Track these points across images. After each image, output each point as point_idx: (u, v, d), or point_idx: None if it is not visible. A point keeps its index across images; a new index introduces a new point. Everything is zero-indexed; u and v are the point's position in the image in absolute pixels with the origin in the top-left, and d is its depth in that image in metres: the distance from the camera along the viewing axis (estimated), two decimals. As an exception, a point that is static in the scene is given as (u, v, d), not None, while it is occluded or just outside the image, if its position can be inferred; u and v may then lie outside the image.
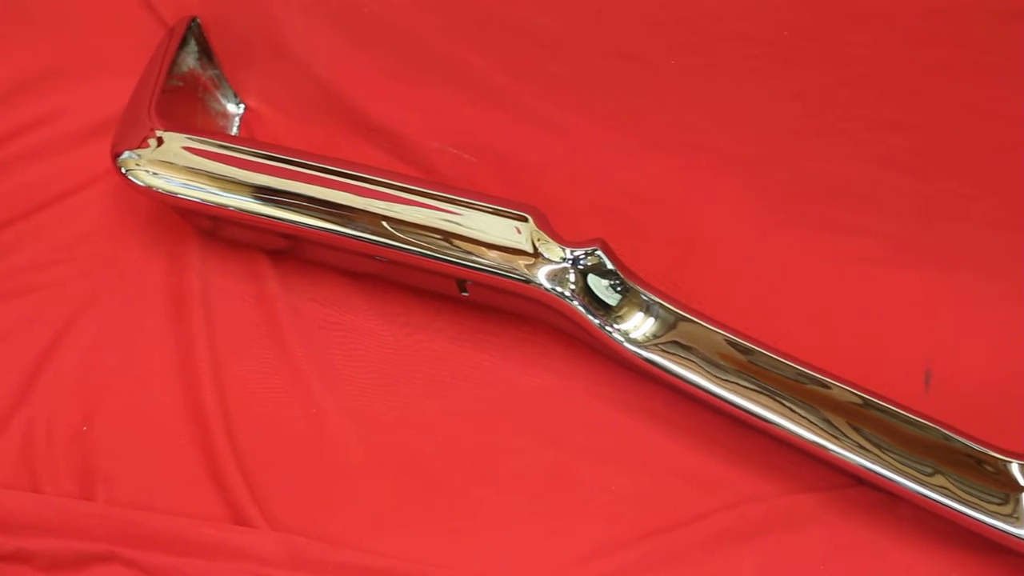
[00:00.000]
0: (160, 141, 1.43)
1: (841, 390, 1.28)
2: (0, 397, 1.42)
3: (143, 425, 1.40)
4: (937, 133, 1.40)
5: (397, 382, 1.42)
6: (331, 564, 1.28)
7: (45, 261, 1.53)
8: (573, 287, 1.32)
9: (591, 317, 1.32)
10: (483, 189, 1.45)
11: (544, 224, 1.34)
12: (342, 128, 1.58)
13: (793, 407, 1.27)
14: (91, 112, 1.61)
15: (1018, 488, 1.23)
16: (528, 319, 1.43)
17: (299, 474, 1.36)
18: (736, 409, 1.29)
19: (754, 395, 1.28)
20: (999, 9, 1.29)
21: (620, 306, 1.33)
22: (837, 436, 1.26)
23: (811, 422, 1.27)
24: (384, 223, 1.35)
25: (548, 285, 1.32)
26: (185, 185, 1.41)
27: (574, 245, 1.33)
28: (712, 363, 1.30)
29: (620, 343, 1.32)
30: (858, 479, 1.31)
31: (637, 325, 1.32)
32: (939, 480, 1.24)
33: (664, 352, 1.31)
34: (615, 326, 1.32)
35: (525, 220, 1.34)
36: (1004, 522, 1.22)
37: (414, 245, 1.34)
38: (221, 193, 1.40)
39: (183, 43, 1.57)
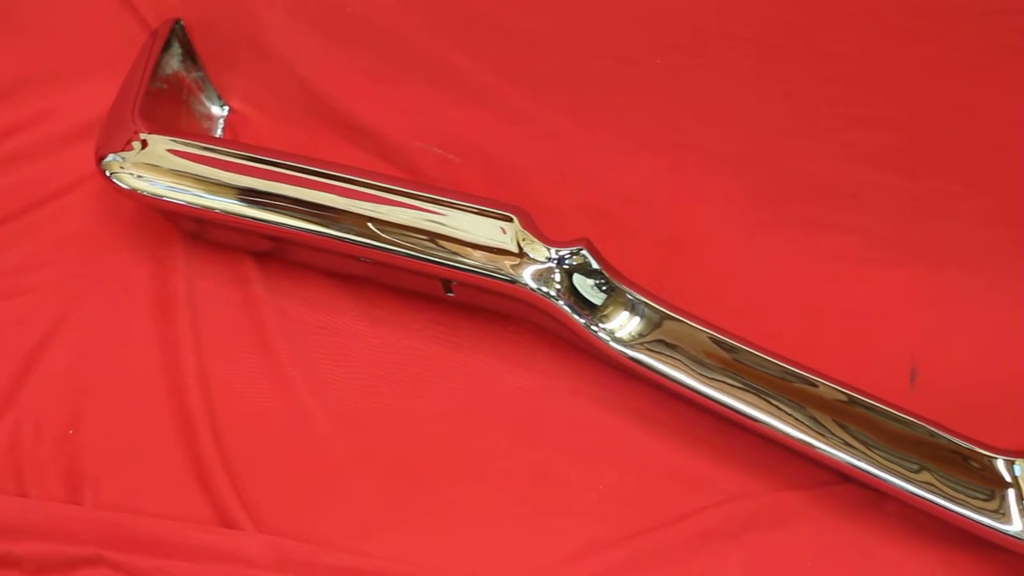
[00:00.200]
0: (144, 144, 1.44)
1: (827, 388, 1.29)
2: (-14, 400, 1.42)
3: (130, 428, 1.41)
4: (924, 131, 1.41)
5: (383, 383, 1.43)
6: (318, 566, 1.29)
7: (30, 264, 1.54)
8: (558, 287, 1.33)
9: (576, 317, 1.33)
10: (468, 189, 1.46)
11: (529, 224, 1.35)
12: (326, 129, 1.59)
13: (779, 405, 1.28)
14: (75, 115, 1.62)
15: (1003, 484, 1.25)
16: (513, 319, 1.44)
17: (286, 476, 1.37)
18: (722, 407, 1.30)
19: (740, 393, 1.29)
20: (984, 7, 1.30)
21: (605, 305, 1.34)
22: (823, 433, 1.27)
23: (797, 420, 1.28)
24: (369, 224, 1.36)
25: (533, 285, 1.33)
26: (170, 188, 1.42)
27: (559, 245, 1.34)
28: (698, 362, 1.31)
29: (606, 342, 1.33)
30: (844, 476, 1.32)
31: (623, 324, 1.33)
32: (925, 477, 1.25)
33: (650, 351, 1.32)
34: (601, 325, 1.33)
35: (510, 220, 1.35)
36: (990, 518, 1.23)
37: (399, 246, 1.35)
38: (206, 195, 1.41)
39: (167, 45, 1.58)
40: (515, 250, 1.34)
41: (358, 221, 1.37)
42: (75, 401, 1.43)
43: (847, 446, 1.27)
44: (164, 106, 1.55)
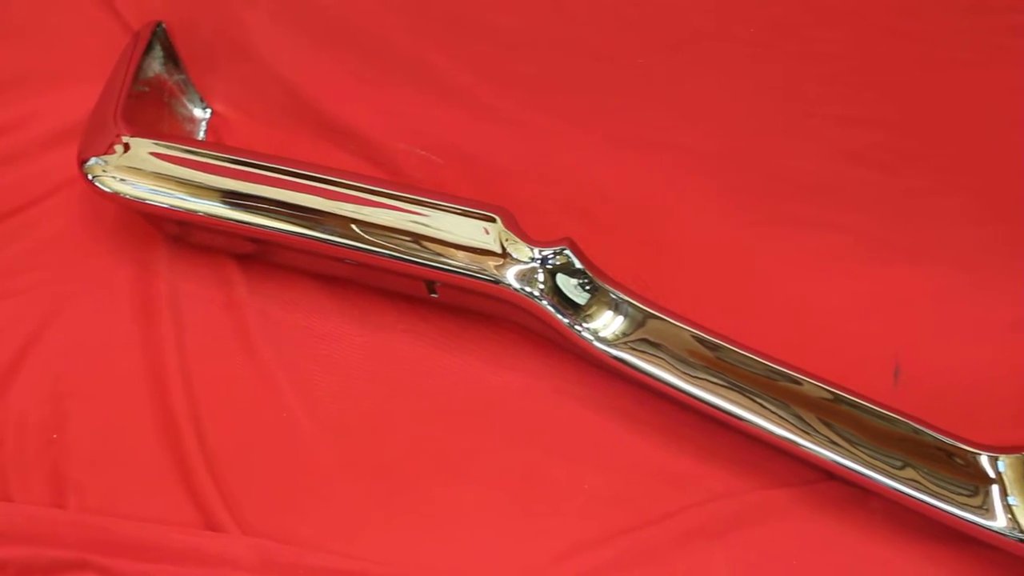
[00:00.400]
0: (127, 147, 1.45)
1: (811, 386, 1.30)
2: (-30, 406, 1.42)
3: (113, 432, 1.41)
4: (907, 129, 1.42)
5: (367, 384, 1.44)
6: (303, 568, 1.30)
7: (13, 269, 1.55)
8: (542, 287, 1.34)
9: (560, 316, 1.34)
10: (451, 190, 1.48)
11: (512, 224, 1.36)
12: (309, 131, 1.60)
13: (764, 403, 1.30)
14: (57, 118, 1.63)
15: (987, 480, 1.26)
16: (497, 319, 1.45)
17: (270, 478, 1.38)
18: (706, 406, 1.31)
19: (724, 392, 1.31)
20: (967, 5, 1.31)
21: (589, 305, 1.35)
22: (808, 431, 1.28)
23: (781, 418, 1.29)
24: (352, 226, 1.37)
25: (517, 285, 1.34)
26: (152, 191, 1.43)
27: (542, 245, 1.35)
28: (682, 360, 1.32)
29: (589, 342, 1.34)
30: (829, 474, 1.33)
31: (606, 324, 1.34)
32: (909, 473, 1.26)
33: (633, 350, 1.33)
34: (584, 325, 1.34)
35: (493, 220, 1.36)
36: (974, 514, 1.24)
37: (382, 247, 1.37)
38: (189, 198, 1.42)
39: (148, 48, 1.59)
40: (498, 250, 1.35)
41: (341, 223, 1.38)
42: (59, 405, 1.43)
43: (832, 444, 1.28)
44: (146, 109, 1.56)
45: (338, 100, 1.58)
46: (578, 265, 1.35)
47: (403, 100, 1.56)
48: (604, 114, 1.50)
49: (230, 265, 1.52)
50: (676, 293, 1.42)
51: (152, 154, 1.45)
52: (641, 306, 1.35)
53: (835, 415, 1.29)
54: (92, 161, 1.46)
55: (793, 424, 1.29)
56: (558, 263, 1.35)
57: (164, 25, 1.61)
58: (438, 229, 1.36)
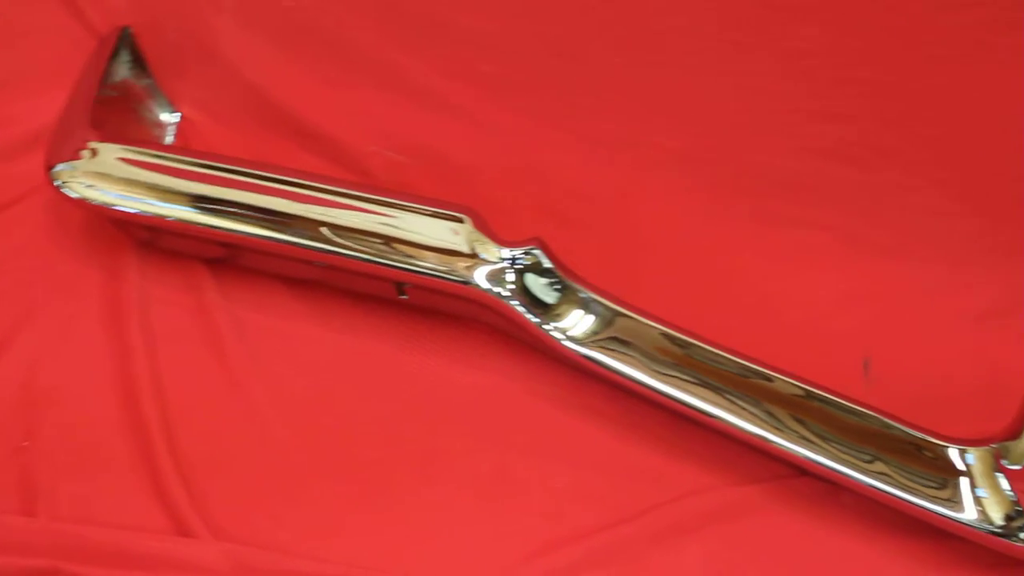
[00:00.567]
0: (94, 152, 1.46)
1: (783, 382, 1.32)
2: (-61, 414, 1.42)
3: (83, 438, 1.41)
4: (880, 125, 1.43)
5: (338, 386, 1.45)
6: (276, 572, 1.30)
7: (-20, 276, 1.53)
8: (511, 287, 1.35)
9: (530, 316, 1.35)
10: (420, 191, 1.48)
11: (481, 224, 1.38)
12: (277, 134, 1.61)
13: (735, 400, 1.31)
14: (23, 124, 1.63)
15: (956, 473, 1.27)
16: (467, 320, 1.46)
17: (243, 483, 1.38)
18: (677, 404, 1.32)
19: (695, 389, 1.32)
20: (945, 2, 1.32)
21: (559, 304, 1.36)
22: (779, 428, 1.29)
23: (753, 415, 1.30)
24: (321, 228, 1.38)
25: (486, 286, 1.35)
26: (121, 196, 1.44)
27: (512, 245, 1.36)
28: (652, 358, 1.34)
29: (559, 341, 1.35)
30: (801, 470, 1.34)
31: (576, 322, 1.36)
32: (879, 467, 1.27)
33: (604, 349, 1.34)
34: (554, 324, 1.35)
35: (462, 221, 1.37)
36: (943, 507, 1.26)
37: (352, 250, 1.37)
38: (158, 203, 1.43)
39: (115, 53, 1.59)
40: (467, 251, 1.36)
41: (310, 226, 1.39)
42: (28, 413, 1.43)
43: (803, 440, 1.29)
44: (114, 114, 1.57)
45: (306, 103, 1.59)
46: (547, 264, 1.36)
47: (370, 102, 1.57)
48: (574, 113, 1.51)
49: (200, 270, 1.52)
50: (647, 290, 1.42)
51: (120, 159, 1.45)
52: (610, 304, 1.36)
53: (806, 411, 1.31)
54: (59, 167, 1.46)
55: (765, 421, 1.30)
56: (527, 263, 1.36)
57: (130, 30, 1.61)
58: (407, 230, 1.37)
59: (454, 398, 1.44)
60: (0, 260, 1.56)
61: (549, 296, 1.36)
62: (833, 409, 1.31)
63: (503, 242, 1.37)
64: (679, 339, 1.34)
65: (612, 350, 1.34)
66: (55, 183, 1.45)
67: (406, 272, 1.37)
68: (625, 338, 1.35)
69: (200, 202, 1.42)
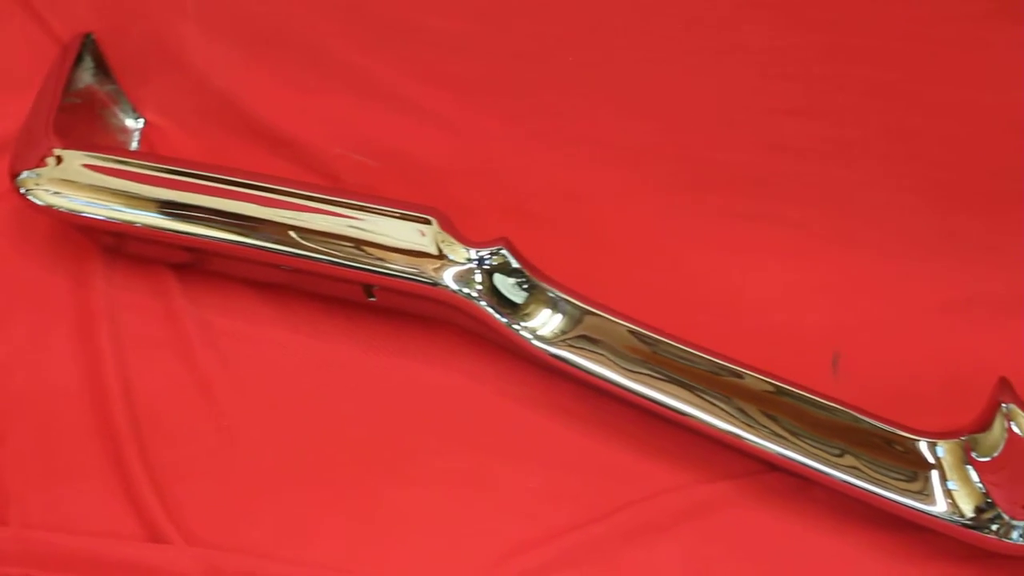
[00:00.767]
0: (59, 159, 1.46)
1: (753, 379, 1.33)
2: (-93, 424, 1.42)
3: (54, 445, 1.42)
4: (844, 120, 1.44)
5: (308, 389, 1.46)
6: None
7: (-54, 286, 1.53)
8: (480, 287, 1.37)
9: (498, 316, 1.36)
10: (387, 194, 1.49)
11: (448, 226, 1.39)
12: (243, 138, 1.61)
13: (705, 397, 1.32)
14: (-13, 131, 1.62)
15: (927, 466, 1.29)
16: (436, 321, 1.46)
17: (215, 488, 1.39)
18: (648, 402, 1.33)
19: (665, 386, 1.33)
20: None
21: (527, 304, 1.37)
22: (750, 424, 1.31)
23: (724, 411, 1.32)
24: (289, 232, 1.39)
25: (455, 287, 1.36)
26: (87, 203, 1.45)
27: (479, 245, 1.37)
28: (622, 356, 1.35)
29: (528, 340, 1.36)
30: (772, 465, 1.35)
31: (545, 322, 1.37)
32: (849, 462, 1.29)
33: (572, 347, 1.35)
34: (523, 324, 1.36)
35: (429, 222, 1.38)
36: (914, 500, 1.28)
37: (320, 253, 1.39)
38: (124, 209, 1.44)
39: (79, 59, 1.59)
40: (435, 252, 1.37)
41: (278, 229, 1.40)
42: (-3, 421, 1.42)
43: (774, 436, 1.30)
44: (78, 121, 1.57)
45: (271, 106, 1.60)
46: (515, 264, 1.37)
47: (335, 105, 1.58)
48: (537, 113, 1.53)
49: (167, 275, 1.53)
50: (615, 288, 1.43)
51: (85, 166, 1.46)
52: (579, 303, 1.37)
53: (777, 407, 1.32)
54: (24, 175, 1.47)
55: (735, 417, 1.32)
56: (495, 263, 1.37)
57: (93, 36, 1.62)
58: (374, 233, 1.38)
59: (424, 399, 1.45)
60: (-36, 269, 1.54)
61: (517, 296, 1.37)
62: (803, 404, 1.32)
63: (470, 243, 1.38)
64: (648, 337, 1.35)
65: (581, 349, 1.35)
66: (20, 191, 1.46)
67: (374, 274, 1.38)
68: (594, 336, 1.36)
69: (167, 208, 1.43)
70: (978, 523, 1.27)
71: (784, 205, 1.51)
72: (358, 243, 1.38)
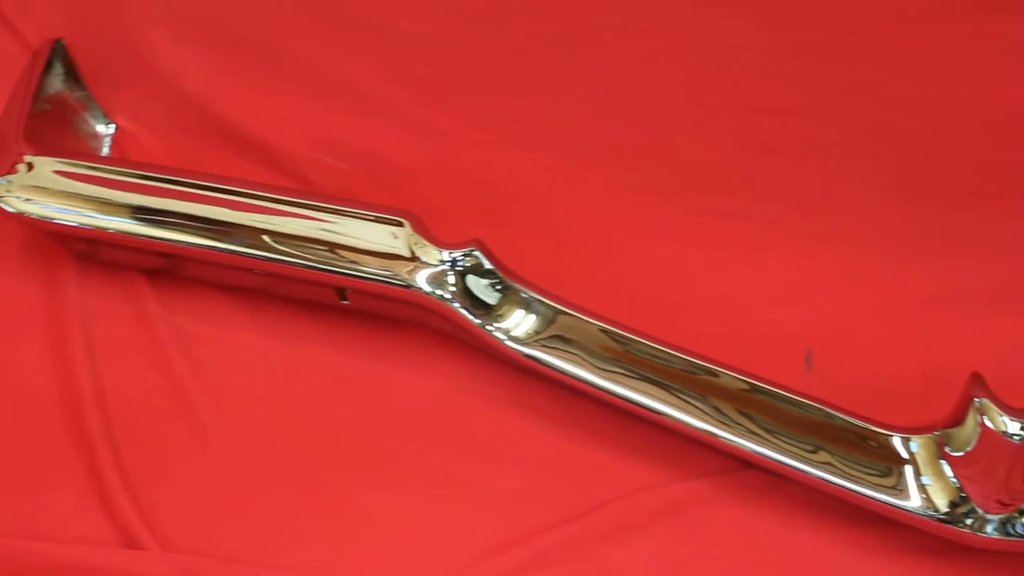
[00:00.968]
0: (30, 166, 1.47)
1: (728, 377, 1.35)
2: None
3: (28, 454, 1.42)
4: (815, 117, 1.47)
5: (283, 394, 1.46)
6: (227, 581, 1.31)
7: (-85, 295, 1.53)
8: (453, 289, 1.38)
9: (472, 318, 1.37)
10: (359, 196, 1.52)
11: (420, 228, 1.40)
12: (214, 143, 1.62)
13: (679, 395, 1.34)
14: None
15: (901, 461, 1.30)
16: (410, 323, 1.47)
17: (190, 494, 1.40)
18: (623, 401, 1.35)
19: (640, 385, 1.35)
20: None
21: (500, 305, 1.38)
22: (725, 422, 1.33)
23: (699, 410, 1.33)
24: (262, 236, 1.40)
25: (428, 289, 1.37)
26: (59, 210, 1.45)
27: (451, 247, 1.38)
28: (596, 356, 1.36)
29: (502, 341, 1.37)
30: (747, 463, 1.37)
31: (518, 322, 1.38)
32: (823, 458, 1.30)
33: (546, 348, 1.37)
34: (496, 325, 1.38)
35: (401, 225, 1.39)
36: (888, 495, 1.29)
37: (292, 256, 1.39)
38: (96, 215, 1.45)
39: (48, 66, 1.59)
40: (408, 255, 1.38)
41: (250, 234, 1.41)
42: (-30, 429, 1.42)
43: (750, 433, 1.32)
44: (49, 127, 1.57)
45: (242, 110, 1.60)
46: (488, 265, 1.38)
47: (307, 108, 1.59)
48: (509, 113, 1.54)
49: (140, 281, 1.54)
50: (588, 288, 1.44)
51: (56, 172, 1.46)
52: (552, 303, 1.38)
53: (751, 404, 1.33)
54: (-5, 183, 1.45)
55: (710, 415, 1.33)
56: (468, 264, 1.38)
57: (63, 42, 1.62)
58: (346, 236, 1.39)
59: (398, 402, 1.46)
60: (-66, 278, 1.54)
61: (490, 297, 1.38)
62: (777, 402, 1.34)
63: (443, 244, 1.39)
64: (621, 336, 1.37)
65: (555, 349, 1.37)
66: (-8, 198, 1.45)
67: (347, 277, 1.39)
68: (568, 336, 1.37)
69: (139, 213, 1.44)
70: (952, 518, 1.28)
71: (759, 203, 1.53)
72: (331, 246, 1.39)
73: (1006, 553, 1.31)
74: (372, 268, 1.39)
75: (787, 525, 1.37)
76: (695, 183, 1.54)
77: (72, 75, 1.64)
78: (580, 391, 1.37)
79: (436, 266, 1.38)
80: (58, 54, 1.62)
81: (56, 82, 1.61)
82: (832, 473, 1.31)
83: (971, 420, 1.25)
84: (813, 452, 1.31)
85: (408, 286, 1.38)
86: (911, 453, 1.31)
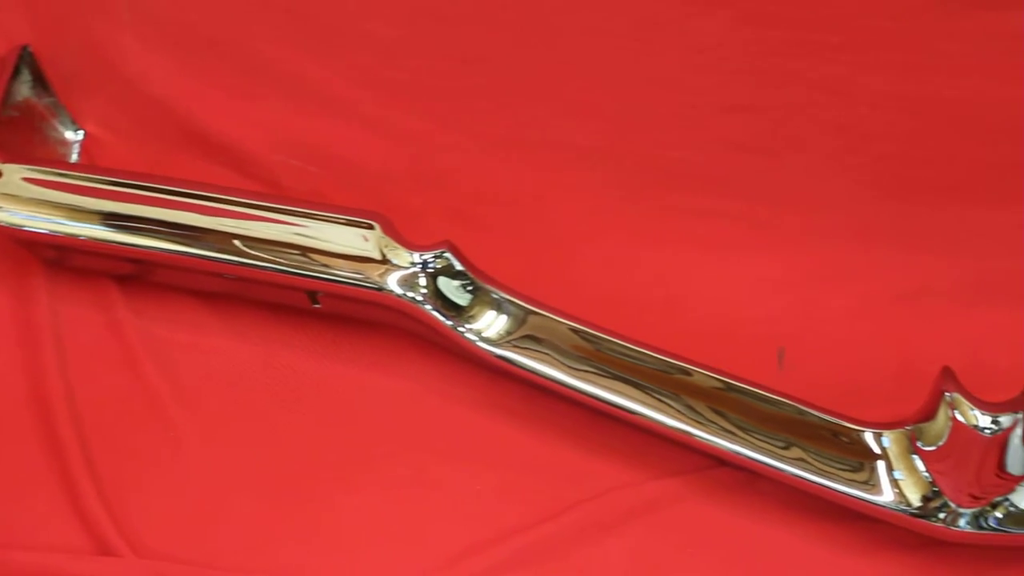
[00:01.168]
0: (-1, 174, 1.45)
1: (701, 375, 1.36)
2: None
3: (0, 461, 1.43)
4: (786, 113, 1.48)
5: (255, 398, 1.48)
6: (200, 587, 1.31)
7: None
8: (424, 291, 1.39)
9: (443, 319, 1.39)
10: (329, 200, 1.53)
11: (391, 230, 1.41)
12: (183, 148, 1.62)
13: (652, 394, 1.36)
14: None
15: (873, 456, 1.32)
16: (381, 326, 1.48)
17: (163, 499, 1.41)
18: (595, 400, 1.36)
19: (612, 385, 1.36)
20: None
21: (471, 306, 1.40)
22: (698, 421, 1.34)
23: (670, 407, 1.35)
24: (233, 241, 1.41)
25: (399, 291, 1.39)
26: (28, 217, 1.46)
27: (422, 249, 1.40)
28: (567, 355, 1.37)
29: (473, 342, 1.38)
30: (720, 460, 1.38)
31: (489, 323, 1.39)
32: (796, 454, 1.32)
33: (517, 348, 1.38)
34: (468, 326, 1.39)
35: (371, 227, 1.40)
36: (861, 490, 1.31)
37: (263, 261, 1.41)
38: (67, 222, 1.45)
39: (16, 72, 1.59)
40: (378, 257, 1.39)
41: (221, 239, 1.42)
42: (-57, 438, 1.42)
43: (721, 431, 1.34)
44: (17, 134, 1.58)
45: (211, 115, 1.61)
46: (458, 267, 1.39)
47: (276, 112, 1.59)
48: (480, 115, 1.55)
49: (110, 287, 1.54)
50: (560, 288, 1.46)
51: (25, 179, 1.47)
52: (523, 304, 1.39)
53: (724, 402, 1.35)
54: (-36, 190, 1.44)
55: (683, 414, 1.35)
56: (439, 266, 1.39)
57: (30, 48, 1.62)
58: (317, 239, 1.40)
59: (371, 404, 1.47)
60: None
61: (462, 298, 1.40)
62: (750, 399, 1.36)
63: (413, 246, 1.40)
64: (593, 335, 1.38)
65: (527, 349, 1.38)
66: (-40, 207, 1.44)
67: (318, 281, 1.40)
68: (539, 336, 1.39)
69: (109, 219, 1.45)
70: (925, 512, 1.30)
71: (728, 200, 1.55)
72: (302, 250, 1.41)
73: (979, 547, 1.33)
74: (343, 271, 1.40)
75: (761, 522, 1.39)
76: (667, 182, 1.55)
77: (40, 82, 1.64)
78: (552, 391, 1.38)
79: (407, 268, 1.39)
80: (25, 61, 1.62)
81: (24, 89, 1.62)
82: (805, 469, 1.32)
83: (942, 414, 1.27)
84: (786, 449, 1.32)
85: (379, 288, 1.39)
86: (883, 448, 1.33)
